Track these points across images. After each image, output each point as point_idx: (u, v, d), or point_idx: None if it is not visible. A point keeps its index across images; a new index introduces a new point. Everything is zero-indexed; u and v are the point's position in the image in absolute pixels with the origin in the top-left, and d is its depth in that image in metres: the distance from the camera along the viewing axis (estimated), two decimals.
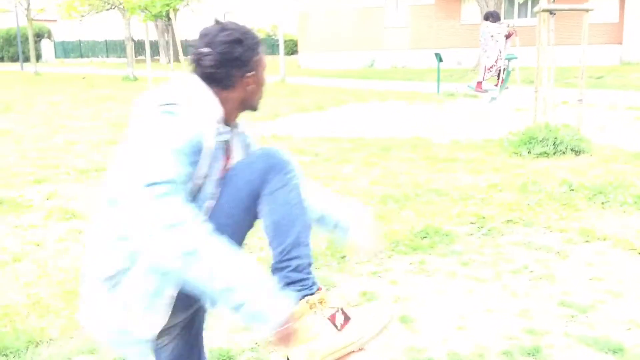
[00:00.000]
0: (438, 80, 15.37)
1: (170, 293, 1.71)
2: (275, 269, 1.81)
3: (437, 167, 6.85)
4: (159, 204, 1.55)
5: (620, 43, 24.58)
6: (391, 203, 5.32)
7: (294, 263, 1.80)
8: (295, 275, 1.80)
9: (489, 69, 12.86)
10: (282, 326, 1.60)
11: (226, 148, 1.92)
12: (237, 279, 1.56)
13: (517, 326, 3.12)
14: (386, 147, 8.19)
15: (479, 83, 13.30)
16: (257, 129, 9.91)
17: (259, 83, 1.99)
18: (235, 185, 1.80)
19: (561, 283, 3.65)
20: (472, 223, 4.80)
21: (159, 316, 1.73)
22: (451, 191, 5.67)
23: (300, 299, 1.77)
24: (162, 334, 1.79)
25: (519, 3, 23.99)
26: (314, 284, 1.85)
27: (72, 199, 5.72)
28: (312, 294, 1.81)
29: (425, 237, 4.46)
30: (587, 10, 7.43)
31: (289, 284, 1.79)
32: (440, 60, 15.00)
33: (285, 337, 1.62)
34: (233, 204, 1.79)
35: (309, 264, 1.85)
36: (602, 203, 5.18)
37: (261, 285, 1.60)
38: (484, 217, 4.87)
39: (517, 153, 7.20)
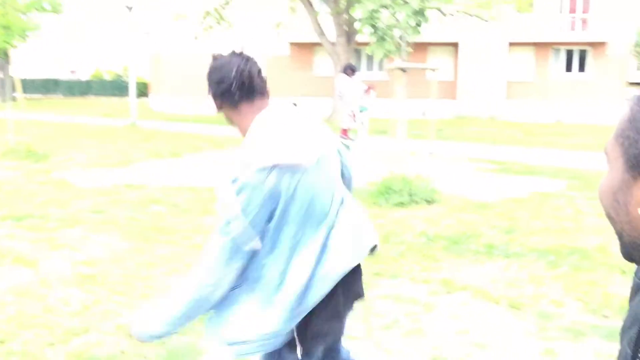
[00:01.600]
0: None
1: None
2: None
3: None
4: None
5: (455, 99, 27.02)
6: None
7: None
8: None
9: (353, 117, 13.34)
10: None
11: None
12: None
13: None
14: None
15: (344, 130, 13.72)
16: (110, 179, 9.29)
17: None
18: None
19: (431, 337, 3.70)
20: None
21: None
22: None
23: None
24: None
25: (367, 56, 25.48)
26: None
27: None
28: None
29: None
30: (433, 69, 8.00)
31: None
32: None
33: None
34: None
35: None
36: (458, 253, 5.44)
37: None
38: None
39: (375, 203, 7.42)
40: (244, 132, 2.01)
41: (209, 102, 2.07)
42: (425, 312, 4.11)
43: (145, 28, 30.17)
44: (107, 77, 52.36)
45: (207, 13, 22.25)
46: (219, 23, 22.30)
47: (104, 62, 54.41)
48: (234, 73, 1.97)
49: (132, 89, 21.23)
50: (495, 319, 4.00)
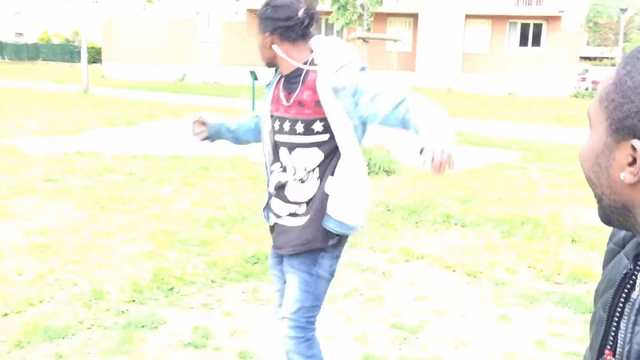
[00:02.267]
0: (253, 99, 15.45)
1: None
2: None
3: (260, 188, 6.77)
4: None
5: (414, 70, 27.15)
6: (218, 227, 5.11)
7: None
8: None
9: None
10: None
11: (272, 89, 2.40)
12: None
13: (357, 352, 3.12)
14: (205, 166, 7.94)
15: None
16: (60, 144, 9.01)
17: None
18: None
19: (390, 304, 3.76)
20: None
21: None
22: None
23: None
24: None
25: (327, 23, 25.28)
26: None
27: None
28: None
29: (257, 262, 4.33)
30: (395, 40, 7.99)
31: None
32: (256, 78, 15.09)
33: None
34: None
35: None
36: (416, 222, 5.53)
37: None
38: None
39: None
40: (292, 65, 2.29)
41: (262, 38, 2.29)
42: (384, 280, 4.17)
43: None
44: (56, 41, 50.32)
45: None
46: None
47: (52, 25, 52.23)
48: (301, 13, 2.24)
49: (84, 54, 20.50)
50: (452, 286, 4.10)
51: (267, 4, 2.29)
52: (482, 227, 5.43)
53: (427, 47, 26.98)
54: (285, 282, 2.43)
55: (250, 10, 27.58)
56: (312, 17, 2.28)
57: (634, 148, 0.74)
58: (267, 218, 2.48)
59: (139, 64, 28.31)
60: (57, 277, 3.94)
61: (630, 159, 0.75)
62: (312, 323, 2.38)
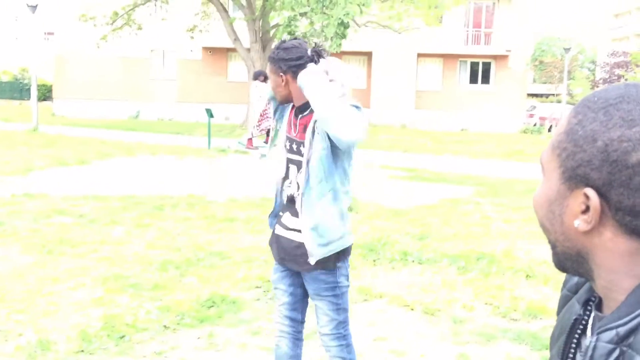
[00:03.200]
0: (209, 136, 15.37)
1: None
2: None
3: (216, 227, 6.67)
4: None
5: (369, 107, 27.60)
6: (172, 269, 4.98)
7: None
8: None
9: (257, 127, 13.28)
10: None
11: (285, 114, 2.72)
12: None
13: None
14: (160, 205, 7.78)
15: (250, 140, 13.61)
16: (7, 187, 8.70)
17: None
18: None
19: None
20: (257, 287, 4.70)
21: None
22: (234, 253, 5.54)
23: None
24: None
25: None
26: None
27: None
28: None
29: (212, 306, 4.22)
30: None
31: None
32: (211, 116, 15.06)
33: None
34: None
35: None
36: (374, 260, 5.52)
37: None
38: (268, 281, 4.79)
39: None
40: (304, 98, 2.54)
41: (276, 78, 2.57)
42: None
43: (49, 28, 28.66)
44: (5, 78, 49.19)
45: (115, 14, 21.43)
46: (128, 25, 21.53)
47: (0, 63, 51.12)
48: (310, 51, 2.55)
49: (34, 91, 20.07)
50: (411, 325, 4.07)
51: (277, 48, 2.57)
52: (438, 264, 5.46)
53: (381, 85, 27.54)
54: (290, 294, 2.75)
55: (206, 48, 27.70)
56: (319, 54, 2.57)
57: (586, 196, 0.75)
58: (272, 226, 2.80)
59: (92, 101, 27.88)
60: (0, 327, 3.74)
61: (583, 207, 0.76)
62: (348, 329, 2.77)
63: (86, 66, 27.86)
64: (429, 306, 4.37)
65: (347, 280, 2.70)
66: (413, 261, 5.51)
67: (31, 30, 24.29)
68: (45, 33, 28.49)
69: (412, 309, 4.36)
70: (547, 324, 4.09)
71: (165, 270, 4.95)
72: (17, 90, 45.02)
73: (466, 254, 5.75)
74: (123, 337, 3.64)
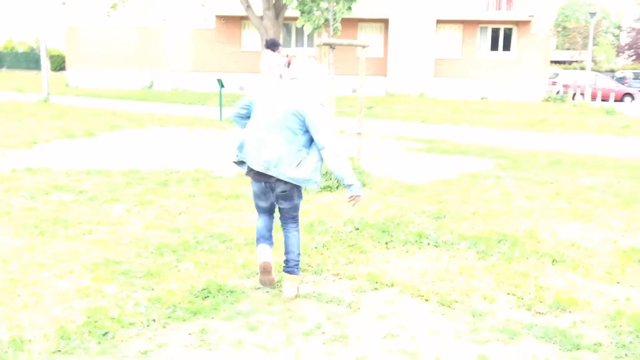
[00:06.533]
0: (220, 107, 14.97)
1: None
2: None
3: (220, 205, 6.32)
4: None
5: (385, 75, 26.90)
6: (168, 254, 4.64)
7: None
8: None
9: None
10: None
11: None
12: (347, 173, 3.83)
13: None
14: (164, 181, 7.44)
15: None
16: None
17: None
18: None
19: (355, 345, 3.34)
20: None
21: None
22: (236, 235, 5.18)
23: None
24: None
25: (296, 29, 24.88)
26: None
27: None
28: None
29: (207, 296, 3.87)
30: (363, 46, 7.60)
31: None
32: (222, 86, 14.62)
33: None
34: None
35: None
36: (386, 243, 5.12)
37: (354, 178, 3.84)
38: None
39: None
40: None
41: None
42: (349, 314, 3.74)
43: None
44: (21, 49, 49.02)
45: None
46: None
47: (17, 33, 50.89)
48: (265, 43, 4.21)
49: (44, 62, 19.76)
50: (425, 319, 3.69)
51: None
52: (456, 247, 5.05)
53: (398, 53, 26.76)
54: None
55: (219, 17, 27.09)
56: (275, 44, 2.87)
57: None
58: None
59: (105, 71, 27.54)
60: None
61: None
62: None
63: (98, 36, 27.43)
64: (445, 297, 3.98)
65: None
66: (429, 244, 5.11)
67: None
68: (62, 3, 28.04)
69: (426, 300, 3.97)
70: (577, 318, 3.68)
71: (160, 255, 4.61)
72: (32, 60, 44.90)
73: (486, 236, 5.33)
74: (106, 334, 3.30)
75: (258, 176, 3.87)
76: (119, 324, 3.41)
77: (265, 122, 3.80)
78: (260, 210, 4.09)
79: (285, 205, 3.96)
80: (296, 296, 3.95)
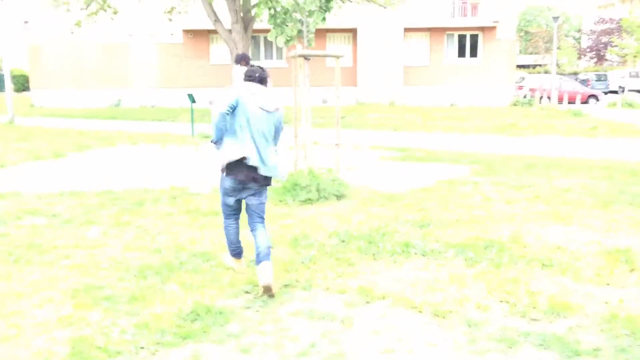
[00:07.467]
0: (192, 122, 14.78)
1: None
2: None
3: (199, 223, 6.17)
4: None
5: (355, 85, 27.00)
6: (151, 276, 4.49)
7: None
8: None
9: None
10: None
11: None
12: None
13: None
14: (140, 200, 7.26)
15: None
16: None
17: None
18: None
19: None
20: (247, 293, 4.23)
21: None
22: (219, 253, 5.05)
23: None
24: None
25: (266, 41, 24.83)
26: None
27: None
28: None
29: (196, 319, 3.74)
30: (338, 57, 7.57)
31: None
32: (193, 101, 14.45)
33: None
34: None
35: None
36: (374, 254, 5.05)
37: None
38: (257, 285, 4.32)
39: (282, 201, 6.91)
40: None
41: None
42: (343, 330, 3.65)
43: (23, 17, 27.63)
44: None
45: None
46: (103, 9, 20.67)
47: None
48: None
49: (8, 82, 19.28)
50: (421, 332, 3.62)
51: None
52: (444, 255, 5.01)
53: (367, 62, 26.92)
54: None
55: (187, 31, 26.87)
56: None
57: None
58: None
59: (71, 90, 27.01)
60: None
61: None
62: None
63: (63, 54, 26.92)
64: (439, 307, 3.92)
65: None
66: (416, 253, 5.06)
67: (4, 19, 23.33)
68: (24, 22, 27.46)
69: (420, 311, 3.91)
70: (572, 323, 3.66)
71: (143, 277, 4.46)
72: None
73: (472, 243, 5.30)
74: None
75: (244, 171, 4.22)
76: (105, 354, 3.26)
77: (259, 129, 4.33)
78: (229, 210, 4.43)
79: (255, 201, 4.32)
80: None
